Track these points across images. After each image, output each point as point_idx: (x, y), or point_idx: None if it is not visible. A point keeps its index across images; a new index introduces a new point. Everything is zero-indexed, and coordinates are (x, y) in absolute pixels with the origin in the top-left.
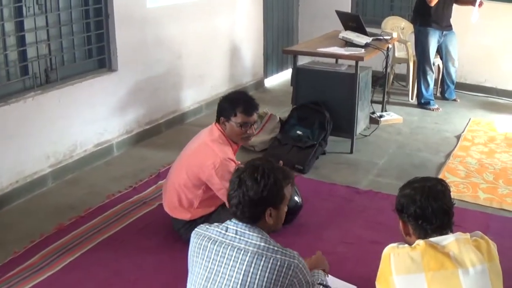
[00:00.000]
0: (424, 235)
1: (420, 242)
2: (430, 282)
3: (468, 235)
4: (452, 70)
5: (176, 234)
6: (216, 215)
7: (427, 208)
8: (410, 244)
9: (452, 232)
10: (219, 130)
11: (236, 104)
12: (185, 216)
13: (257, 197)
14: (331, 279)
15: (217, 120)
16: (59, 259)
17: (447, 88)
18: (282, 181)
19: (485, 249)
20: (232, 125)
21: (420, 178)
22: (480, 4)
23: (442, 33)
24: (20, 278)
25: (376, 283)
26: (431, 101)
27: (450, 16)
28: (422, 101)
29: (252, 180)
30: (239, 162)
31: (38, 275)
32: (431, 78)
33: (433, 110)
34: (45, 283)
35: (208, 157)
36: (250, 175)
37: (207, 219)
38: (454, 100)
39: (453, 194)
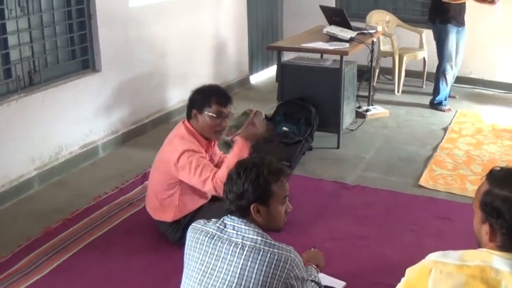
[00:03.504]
0: (509, 248)
1: (471, 263)
2: None
3: None
4: (456, 69)
5: (163, 235)
6: (201, 214)
7: None
8: (481, 246)
9: None
10: (186, 128)
11: (210, 95)
12: (168, 217)
13: (239, 191)
14: (320, 275)
15: (188, 115)
16: (47, 263)
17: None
18: (267, 177)
19: None
20: (205, 117)
21: None
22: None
23: (458, 29)
24: (8, 283)
25: None
26: (444, 102)
27: (465, 12)
28: (436, 101)
29: (236, 175)
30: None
31: (26, 279)
32: (450, 77)
33: (444, 111)
34: (33, 287)
35: (172, 154)
36: (235, 170)
37: (192, 218)
38: (453, 96)
39: (441, 187)
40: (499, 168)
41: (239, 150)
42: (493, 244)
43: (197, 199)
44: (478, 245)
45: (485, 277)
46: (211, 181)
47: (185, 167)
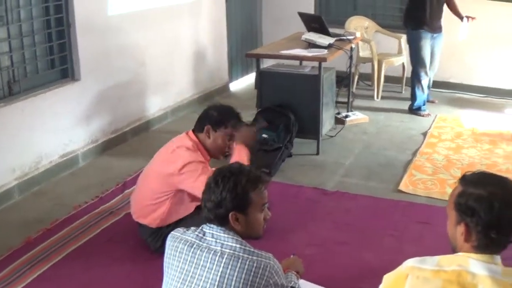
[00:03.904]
0: (485, 246)
1: (448, 268)
2: None
3: None
4: (432, 74)
5: (144, 244)
6: (183, 223)
7: (504, 218)
8: (457, 250)
9: (506, 247)
10: (192, 140)
11: (228, 116)
12: (153, 223)
13: (217, 200)
14: (300, 282)
15: (199, 129)
16: (28, 273)
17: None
18: (245, 185)
19: None
20: (218, 137)
21: (489, 176)
22: (469, 19)
23: (433, 35)
24: None
25: None
26: (422, 107)
27: (441, 18)
28: (414, 107)
29: (214, 183)
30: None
31: None
32: (425, 83)
33: (423, 116)
34: None
35: (175, 163)
36: (213, 178)
37: (174, 227)
38: (432, 101)
39: (420, 191)
40: (471, 173)
41: (239, 153)
42: (468, 245)
43: (184, 210)
44: (452, 249)
45: (461, 281)
46: None
47: (190, 175)
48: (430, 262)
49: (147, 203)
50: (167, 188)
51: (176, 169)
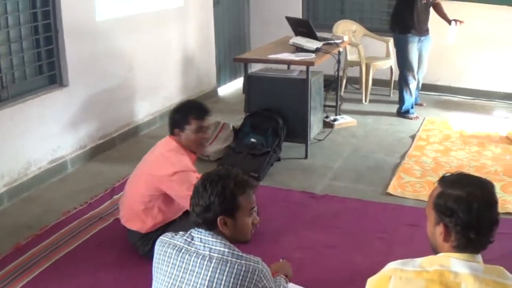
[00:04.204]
0: (464, 246)
1: (430, 269)
2: None
3: (495, 272)
4: (421, 76)
5: (133, 249)
6: (172, 228)
7: (483, 219)
8: (438, 251)
9: (486, 247)
10: (175, 141)
11: (187, 112)
12: (142, 227)
13: (205, 204)
14: (289, 286)
15: (171, 133)
16: (17, 279)
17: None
18: (233, 189)
19: None
20: (188, 134)
21: (468, 177)
22: (457, 23)
23: (420, 38)
24: None
25: None
26: (411, 110)
27: (428, 21)
28: (402, 110)
29: (202, 187)
30: (197, 173)
31: None
32: (413, 86)
33: (412, 118)
34: None
35: (166, 168)
36: (201, 183)
37: (163, 231)
38: (420, 104)
39: (409, 194)
40: (449, 174)
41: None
42: (448, 244)
43: (173, 214)
44: (433, 250)
45: (444, 280)
46: None
47: (180, 184)
48: (412, 264)
49: (135, 207)
50: (154, 191)
51: (167, 174)
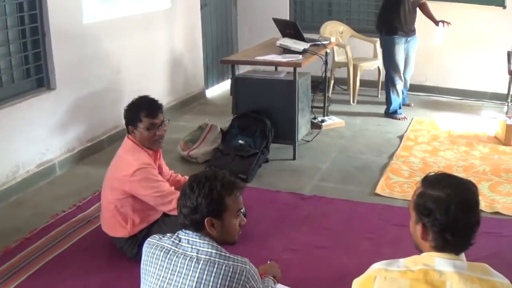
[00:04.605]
0: (442, 247)
1: (414, 268)
2: None
3: (479, 269)
4: (408, 76)
5: (121, 252)
6: (156, 228)
7: (460, 221)
8: (420, 249)
9: (466, 249)
10: (131, 140)
11: (138, 110)
12: (124, 233)
13: (193, 205)
14: (277, 287)
15: (127, 131)
16: (6, 282)
17: (402, 93)
18: (220, 191)
19: None
20: (141, 131)
21: (449, 178)
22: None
23: (407, 39)
24: None
25: None
26: (398, 110)
27: (415, 21)
28: (390, 110)
29: (189, 189)
30: (170, 172)
31: None
32: (400, 87)
33: (400, 119)
34: None
35: (124, 169)
36: (189, 185)
37: (148, 232)
38: (408, 105)
39: (397, 194)
40: (433, 173)
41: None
42: (428, 244)
43: (150, 214)
44: (415, 247)
45: (429, 279)
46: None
47: (144, 183)
48: (397, 264)
49: (110, 215)
50: (120, 195)
51: (127, 175)
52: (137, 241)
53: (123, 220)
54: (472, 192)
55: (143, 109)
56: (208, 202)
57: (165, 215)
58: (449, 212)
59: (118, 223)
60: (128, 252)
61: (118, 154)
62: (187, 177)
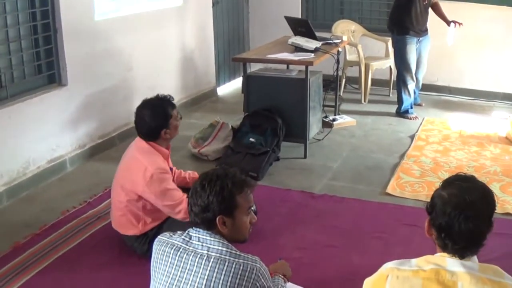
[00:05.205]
0: (443, 248)
1: (426, 268)
2: None
3: (491, 270)
4: (420, 76)
5: (131, 249)
6: (167, 226)
7: (455, 226)
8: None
9: (476, 253)
10: (145, 142)
11: (163, 109)
12: (135, 231)
13: (204, 204)
14: (287, 285)
15: (150, 139)
16: (15, 279)
17: (413, 93)
18: (231, 189)
19: None
20: (174, 124)
21: (465, 181)
22: (456, 24)
23: (419, 39)
24: None
25: None
26: (410, 110)
27: (426, 21)
28: (401, 110)
29: (200, 187)
30: (173, 167)
31: None
32: (412, 87)
33: (411, 119)
34: None
35: (138, 172)
36: (200, 183)
37: (158, 230)
38: (419, 104)
39: (408, 194)
40: (459, 174)
41: None
42: (433, 237)
43: (161, 213)
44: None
45: (441, 279)
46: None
47: (158, 190)
48: (408, 264)
49: (121, 214)
50: (132, 196)
51: (142, 179)
52: (147, 238)
53: (135, 219)
54: (479, 200)
55: (166, 106)
56: (219, 200)
57: None
58: (445, 213)
59: (129, 222)
60: (138, 249)
61: (131, 155)
62: (191, 173)
